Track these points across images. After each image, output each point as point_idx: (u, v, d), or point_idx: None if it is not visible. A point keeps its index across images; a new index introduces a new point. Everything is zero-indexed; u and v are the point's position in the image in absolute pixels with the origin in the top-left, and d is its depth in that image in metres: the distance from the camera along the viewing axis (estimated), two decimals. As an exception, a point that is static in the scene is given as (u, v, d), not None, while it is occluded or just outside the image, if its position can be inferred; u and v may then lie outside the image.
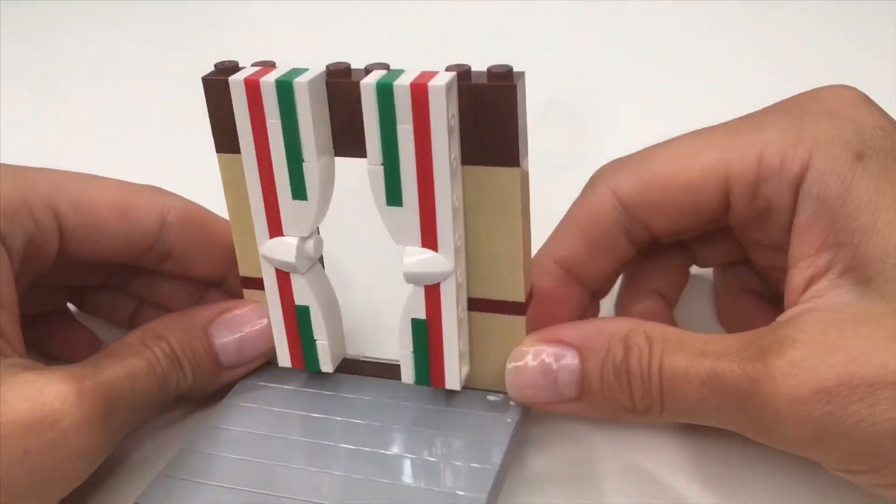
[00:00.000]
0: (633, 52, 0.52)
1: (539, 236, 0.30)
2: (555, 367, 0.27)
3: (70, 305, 0.35)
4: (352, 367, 0.31)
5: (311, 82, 0.25)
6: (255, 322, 0.30)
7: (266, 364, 0.31)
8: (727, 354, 0.25)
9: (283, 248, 0.28)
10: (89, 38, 0.56)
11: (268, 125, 0.26)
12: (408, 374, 0.29)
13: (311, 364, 0.30)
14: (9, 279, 0.27)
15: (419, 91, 0.24)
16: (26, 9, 0.58)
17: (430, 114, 0.24)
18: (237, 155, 0.27)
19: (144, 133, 0.49)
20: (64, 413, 0.24)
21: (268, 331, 0.30)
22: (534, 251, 0.30)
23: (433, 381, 0.29)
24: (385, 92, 0.24)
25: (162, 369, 0.28)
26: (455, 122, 0.25)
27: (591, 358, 0.27)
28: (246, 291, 0.31)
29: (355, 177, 0.27)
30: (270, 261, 0.28)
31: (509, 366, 0.28)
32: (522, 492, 0.28)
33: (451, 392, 0.29)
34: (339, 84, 0.26)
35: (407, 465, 0.27)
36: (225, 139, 0.28)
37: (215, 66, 0.28)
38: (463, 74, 0.25)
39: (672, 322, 0.32)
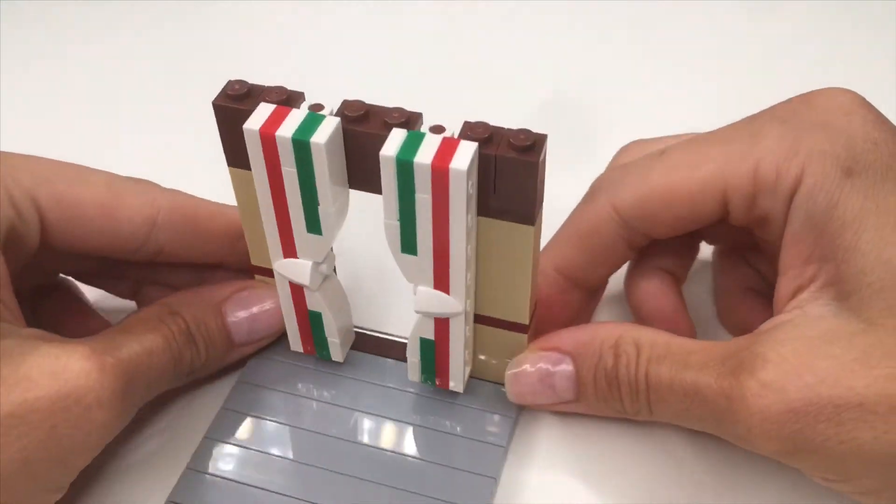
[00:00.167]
0: (632, 53, 0.49)
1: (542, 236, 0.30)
2: (551, 373, 0.29)
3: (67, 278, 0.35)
4: (362, 345, 0.33)
5: (328, 142, 0.25)
6: (265, 302, 0.31)
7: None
8: (707, 367, 0.26)
9: (298, 270, 0.28)
10: (90, 36, 0.52)
11: (283, 171, 0.26)
12: (415, 375, 0.31)
13: (323, 353, 0.32)
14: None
15: (440, 172, 0.24)
16: (27, 7, 0.53)
17: (449, 190, 0.24)
18: (249, 171, 0.27)
19: (146, 120, 0.46)
20: (88, 390, 0.26)
21: (278, 310, 0.31)
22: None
23: (438, 383, 0.31)
24: (405, 167, 0.24)
25: (178, 345, 0.29)
26: (474, 189, 0.25)
27: (584, 364, 0.29)
28: (258, 278, 0.32)
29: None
30: (284, 276, 0.29)
31: (509, 373, 0.30)
32: (526, 496, 0.30)
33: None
34: (358, 133, 0.25)
35: (409, 465, 0.29)
36: (236, 157, 0.27)
37: (226, 88, 0.26)
38: (484, 141, 0.24)
39: (681, 299, 0.32)
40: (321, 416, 0.31)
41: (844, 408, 0.24)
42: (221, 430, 0.30)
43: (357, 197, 0.28)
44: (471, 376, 0.31)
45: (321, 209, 0.26)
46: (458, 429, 0.30)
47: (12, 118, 0.44)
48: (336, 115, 0.26)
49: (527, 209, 0.25)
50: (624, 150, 0.33)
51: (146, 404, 0.29)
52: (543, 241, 0.30)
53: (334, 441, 0.30)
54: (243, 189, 0.28)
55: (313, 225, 0.27)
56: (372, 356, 0.32)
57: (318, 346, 0.31)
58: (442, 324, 0.28)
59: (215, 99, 0.27)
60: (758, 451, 0.26)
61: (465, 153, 0.24)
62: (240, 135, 0.26)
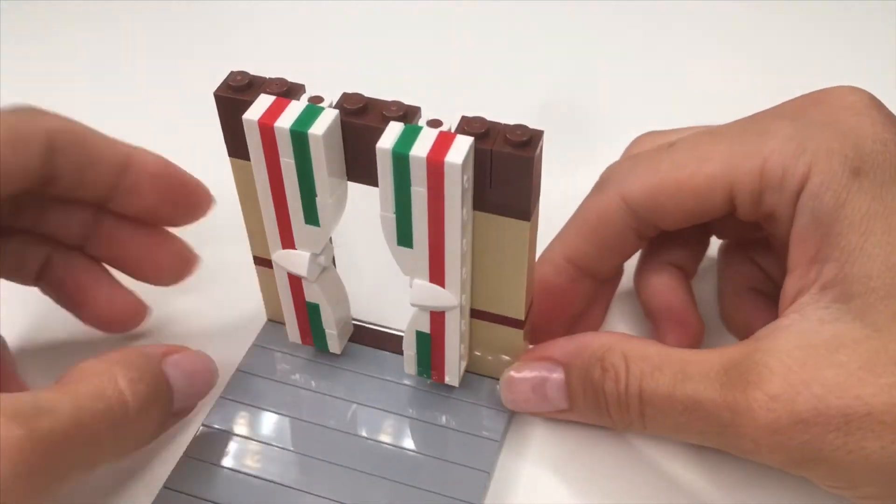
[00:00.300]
0: (633, 52, 0.49)
1: (542, 232, 0.30)
2: (544, 382, 0.29)
3: None
4: (360, 337, 0.33)
5: (326, 133, 0.25)
6: (201, 365, 0.29)
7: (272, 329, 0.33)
8: (707, 378, 0.26)
9: (296, 261, 0.29)
10: (92, 26, 0.52)
11: (282, 162, 0.26)
12: (410, 368, 0.31)
13: (320, 344, 0.32)
14: None
15: (435, 165, 0.24)
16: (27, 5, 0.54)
17: (444, 183, 0.24)
18: (249, 162, 0.27)
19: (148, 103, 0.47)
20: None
21: (211, 376, 0.30)
22: (539, 249, 0.30)
23: (434, 376, 0.31)
24: (401, 160, 0.24)
25: (116, 396, 0.26)
26: (469, 184, 0.25)
27: (574, 375, 0.29)
28: (257, 268, 0.32)
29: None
30: (283, 267, 0.29)
31: (502, 380, 0.30)
32: (518, 490, 0.30)
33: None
34: (356, 125, 0.26)
35: (405, 459, 0.30)
36: (237, 147, 0.28)
37: (228, 79, 0.27)
38: (481, 136, 0.25)
39: (690, 295, 0.32)
40: (318, 407, 0.31)
41: (853, 417, 0.24)
42: (218, 419, 0.31)
43: (358, 189, 0.28)
44: (467, 371, 0.32)
45: (319, 200, 0.27)
46: (453, 423, 0.30)
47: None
48: (335, 107, 0.26)
49: (523, 204, 0.26)
50: (636, 142, 0.33)
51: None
52: (545, 236, 0.31)
53: (330, 432, 0.30)
54: (243, 180, 0.29)
55: (311, 216, 0.27)
56: (370, 348, 0.33)
57: (315, 338, 0.32)
58: (438, 317, 0.28)
59: (217, 89, 0.27)
60: (762, 461, 0.26)
61: (461, 147, 0.24)
62: (240, 125, 0.26)
